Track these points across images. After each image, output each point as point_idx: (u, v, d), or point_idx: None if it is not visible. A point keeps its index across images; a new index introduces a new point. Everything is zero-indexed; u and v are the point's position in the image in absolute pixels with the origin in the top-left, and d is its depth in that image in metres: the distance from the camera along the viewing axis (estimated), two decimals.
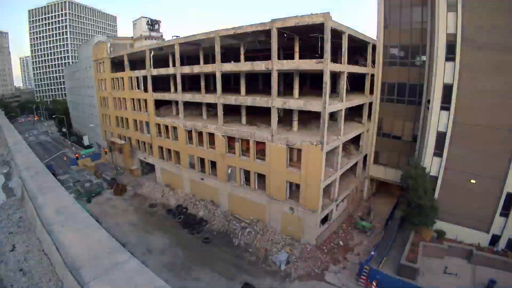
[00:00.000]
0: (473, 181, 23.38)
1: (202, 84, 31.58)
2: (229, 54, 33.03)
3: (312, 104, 22.24)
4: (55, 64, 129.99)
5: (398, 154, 30.27)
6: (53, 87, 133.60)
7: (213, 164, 31.00)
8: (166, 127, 35.95)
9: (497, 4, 20.94)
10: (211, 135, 30.17)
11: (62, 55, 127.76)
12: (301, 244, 24.76)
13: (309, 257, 23.61)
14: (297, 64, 22.99)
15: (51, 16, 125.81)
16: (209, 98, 30.27)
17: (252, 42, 27.98)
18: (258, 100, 25.54)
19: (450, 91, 23.37)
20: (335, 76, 27.27)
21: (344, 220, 29.12)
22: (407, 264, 21.42)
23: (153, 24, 46.08)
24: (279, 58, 25.40)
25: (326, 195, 24.99)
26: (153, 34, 45.94)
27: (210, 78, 37.20)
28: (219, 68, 27.44)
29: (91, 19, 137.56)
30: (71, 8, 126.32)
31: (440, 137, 24.66)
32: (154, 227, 29.74)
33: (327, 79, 20.81)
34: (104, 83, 47.62)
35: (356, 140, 30.08)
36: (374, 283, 20.35)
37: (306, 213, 24.22)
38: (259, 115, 30.25)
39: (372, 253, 22.97)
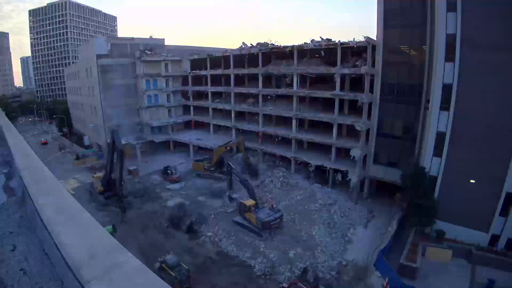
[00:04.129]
0: (472, 181, 23.38)
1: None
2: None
3: None
4: (55, 64, 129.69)
5: (398, 154, 30.27)
6: (53, 87, 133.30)
7: None
8: None
9: (497, 4, 20.96)
10: None
11: (63, 55, 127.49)
12: None
13: None
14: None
15: (52, 16, 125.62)
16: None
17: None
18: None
19: (450, 91, 23.39)
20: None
21: None
22: (407, 264, 21.45)
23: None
24: None
25: None
26: None
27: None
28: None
29: (91, 19, 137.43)
30: (72, 9, 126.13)
31: (440, 137, 24.67)
32: None
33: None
34: None
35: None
36: (386, 280, 20.22)
37: None
38: None
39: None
